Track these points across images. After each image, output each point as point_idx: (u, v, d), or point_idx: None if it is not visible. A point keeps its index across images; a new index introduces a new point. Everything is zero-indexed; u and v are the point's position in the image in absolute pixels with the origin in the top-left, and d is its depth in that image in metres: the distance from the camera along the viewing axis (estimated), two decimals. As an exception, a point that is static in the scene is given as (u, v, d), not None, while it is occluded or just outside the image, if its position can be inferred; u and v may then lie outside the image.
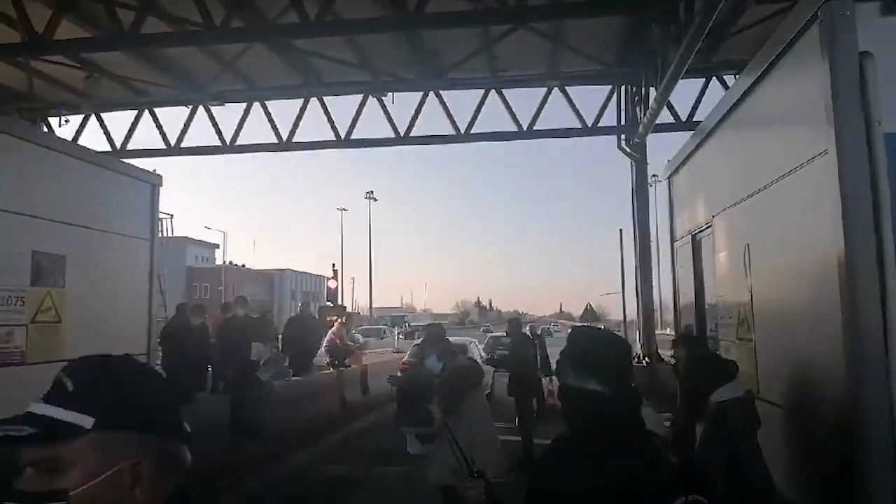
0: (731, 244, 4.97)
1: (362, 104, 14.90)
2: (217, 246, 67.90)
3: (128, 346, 7.05)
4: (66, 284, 6.11)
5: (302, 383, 11.06)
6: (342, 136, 15.55)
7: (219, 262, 67.36)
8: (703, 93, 12.89)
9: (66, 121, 18.01)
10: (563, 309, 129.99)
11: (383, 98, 14.96)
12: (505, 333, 10.25)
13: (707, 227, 5.56)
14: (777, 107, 4.06)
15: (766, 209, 4.14)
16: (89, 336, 6.38)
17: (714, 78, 12.65)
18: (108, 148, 16.25)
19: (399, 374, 6.33)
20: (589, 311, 19.62)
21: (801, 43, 3.45)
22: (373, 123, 15.48)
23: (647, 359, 14.65)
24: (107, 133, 16.90)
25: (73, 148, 6.50)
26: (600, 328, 3.90)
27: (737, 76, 8.86)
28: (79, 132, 16.81)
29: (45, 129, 15.61)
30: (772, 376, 4.04)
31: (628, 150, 14.99)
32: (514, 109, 14.09)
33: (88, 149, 6.75)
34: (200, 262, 69.55)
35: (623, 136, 14.14)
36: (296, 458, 8.73)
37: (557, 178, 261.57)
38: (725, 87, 12.08)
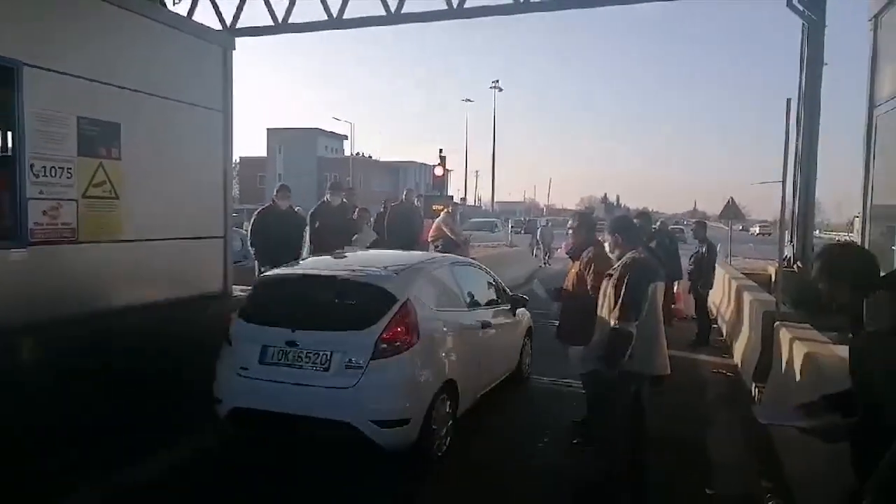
0: None
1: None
2: (345, 137, 69.09)
3: (200, 227, 6.52)
4: (122, 156, 5.50)
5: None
6: (454, 5, 14.03)
7: (347, 153, 68.79)
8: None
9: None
10: (697, 207, 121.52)
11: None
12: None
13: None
14: None
15: None
16: (154, 215, 5.84)
17: None
18: (218, 26, 15.87)
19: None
20: (731, 207, 17.24)
21: None
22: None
23: (798, 264, 12.61)
24: (217, 11, 16.46)
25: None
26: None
27: None
28: (191, 11, 16.50)
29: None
30: None
31: (801, 9, 12.22)
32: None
33: (138, -1, 5.88)
34: (330, 153, 71.39)
35: (795, -9, 11.71)
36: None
37: (699, 57, 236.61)
38: None
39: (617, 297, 3.91)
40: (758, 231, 19.17)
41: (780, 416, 2.82)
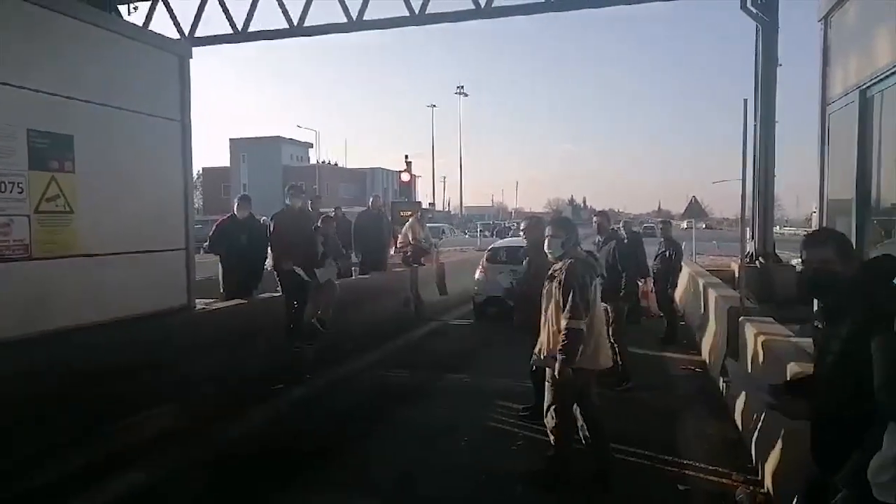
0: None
1: (438, -29, 13.26)
2: (311, 145, 68.58)
3: (161, 240, 6.35)
4: (76, 169, 5.32)
5: (369, 281, 10.33)
6: (416, 11, 14.01)
7: (312, 161, 68.20)
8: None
9: (135, 8, 17.26)
10: (661, 207, 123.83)
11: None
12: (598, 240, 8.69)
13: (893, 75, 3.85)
14: None
15: None
16: (111, 229, 5.66)
17: None
18: (176, 36, 15.51)
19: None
20: (694, 205, 17.60)
21: None
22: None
23: (760, 259, 12.89)
24: (174, 20, 16.10)
25: (70, 6, 5.42)
26: None
27: None
28: (148, 19, 16.09)
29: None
30: None
31: (755, 11, 12.59)
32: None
33: (91, 8, 5.73)
34: (295, 161, 70.67)
35: (749, -6, 12.39)
36: (356, 363, 8.05)
37: (660, 59, 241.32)
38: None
39: (565, 297, 4.02)
40: (684, 225, 21.57)
41: (751, 388, 3.23)
